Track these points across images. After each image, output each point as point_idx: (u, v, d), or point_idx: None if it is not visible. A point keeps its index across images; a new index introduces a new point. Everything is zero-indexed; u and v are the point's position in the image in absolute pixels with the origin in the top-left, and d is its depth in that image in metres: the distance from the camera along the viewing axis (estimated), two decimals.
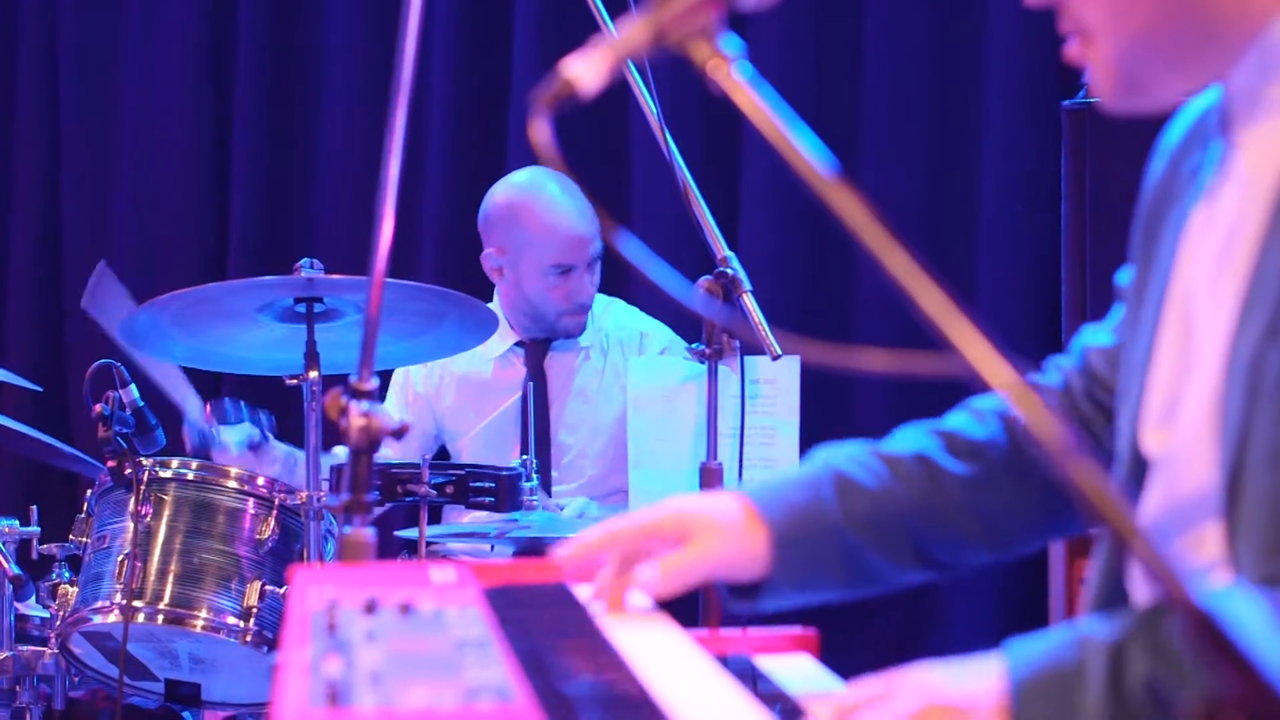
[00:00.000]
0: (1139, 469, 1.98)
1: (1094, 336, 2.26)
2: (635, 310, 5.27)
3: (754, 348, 3.84)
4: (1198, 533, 1.86)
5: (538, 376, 5.13)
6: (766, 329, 3.62)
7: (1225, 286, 1.86)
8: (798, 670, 2.29)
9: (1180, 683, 1.62)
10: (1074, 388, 2.26)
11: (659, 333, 5.20)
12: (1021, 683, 1.69)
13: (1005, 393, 1.35)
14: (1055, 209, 4.51)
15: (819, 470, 2.23)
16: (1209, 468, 1.83)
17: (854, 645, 5.07)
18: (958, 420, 2.28)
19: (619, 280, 5.30)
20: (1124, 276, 2.16)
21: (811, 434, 4.37)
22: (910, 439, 2.26)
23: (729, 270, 3.71)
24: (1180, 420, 1.91)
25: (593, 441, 5.14)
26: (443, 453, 5.30)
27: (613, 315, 5.23)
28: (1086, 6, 1.89)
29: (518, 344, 5.18)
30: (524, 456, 4.29)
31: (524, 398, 4.84)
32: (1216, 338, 1.85)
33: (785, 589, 2.20)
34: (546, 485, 5.04)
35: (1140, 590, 1.92)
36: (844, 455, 2.25)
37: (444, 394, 5.23)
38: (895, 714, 1.70)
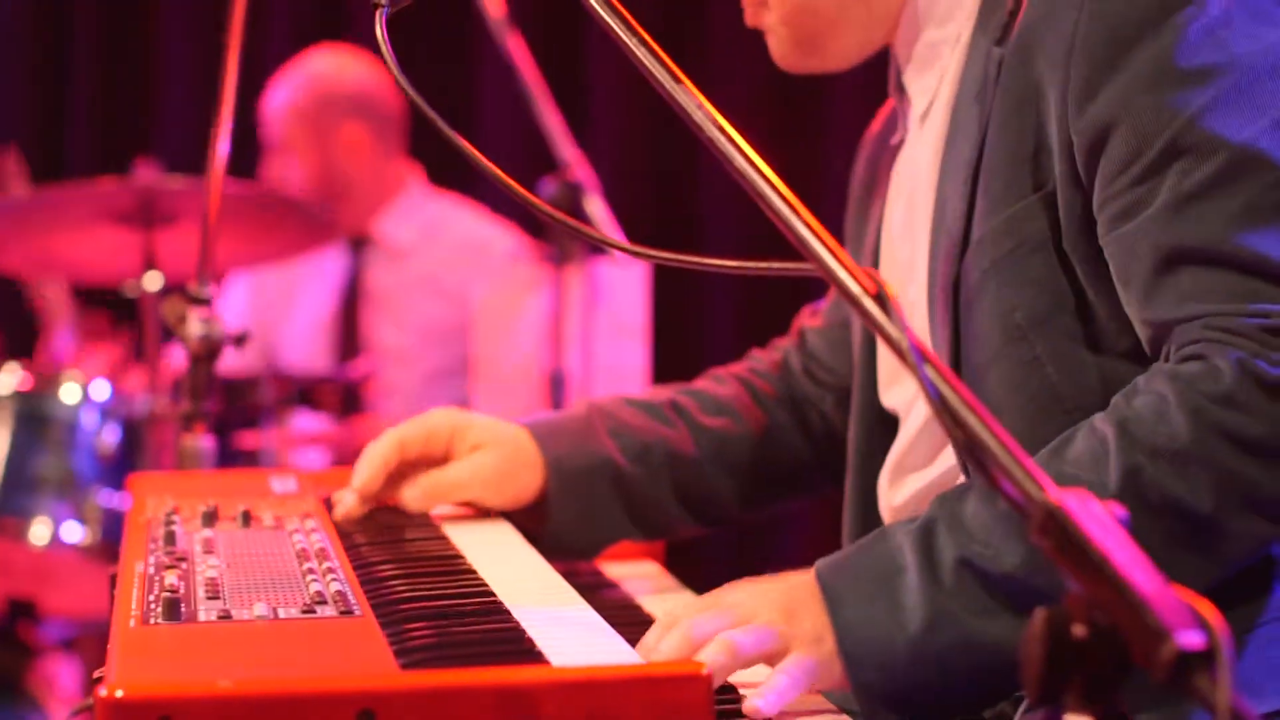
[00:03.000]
0: (882, 424, 2.12)
1: (812, 317, 2.40)
2: (479, 216, 5.22)
3: (601, 252, 3.83)
4: (946, 453, 1.99)
5: (359, 276, 5.04)
6: (614, 233, 3.60)
7: (918, 229, 1.99)
8: (645, 576, 2.28)
9: (992, 557, 1.67)
10: (793, 365, 2.37)
11: (503, 239, 5.15)
12: (835, 584, 1.71)
13: (852, 296, 1.34)
14: None
15: (589, 410, 2.27)
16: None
17: (699, 552, 5.09)
18: (704, 383, 2.36)
19: (465, 184, 5.25)
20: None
21: (661, 339, 4.37)
22: (664, 394, 2.33)
23: (574, 173, 3.69)
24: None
25: (420, 347, 5.07)
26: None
27: (454, 219, 5.17)
28: None
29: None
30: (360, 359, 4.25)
31: (345, 297, 4.78)
32: (919, 281, 1.97)
33: (564, 521, 2.19)
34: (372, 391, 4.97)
35: None
36: (609, 400, 2.30)
37: (265, 288, 5.14)
38: (721, 616, 1.69)
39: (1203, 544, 1.68)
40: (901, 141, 2.09)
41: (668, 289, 4.52)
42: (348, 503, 2.14)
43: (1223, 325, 1.69)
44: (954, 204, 1.89)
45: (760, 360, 2.39)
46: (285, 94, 5.01)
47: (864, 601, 1.69)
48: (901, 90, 2.06)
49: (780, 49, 2.07)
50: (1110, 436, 1.68)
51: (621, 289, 4.11)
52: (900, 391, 2.08)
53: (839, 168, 5.02)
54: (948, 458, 1.99)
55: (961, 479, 1.93)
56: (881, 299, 1.33)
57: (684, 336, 5.04)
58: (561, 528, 2.19)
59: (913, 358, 1.28)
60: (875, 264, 2.10)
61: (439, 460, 2.18)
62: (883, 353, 2.10)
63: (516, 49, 3.71)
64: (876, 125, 2.25)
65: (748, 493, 2.30)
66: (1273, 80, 1.73)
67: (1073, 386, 1.81)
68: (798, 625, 1.68)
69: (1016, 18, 1.86)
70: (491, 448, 2.17)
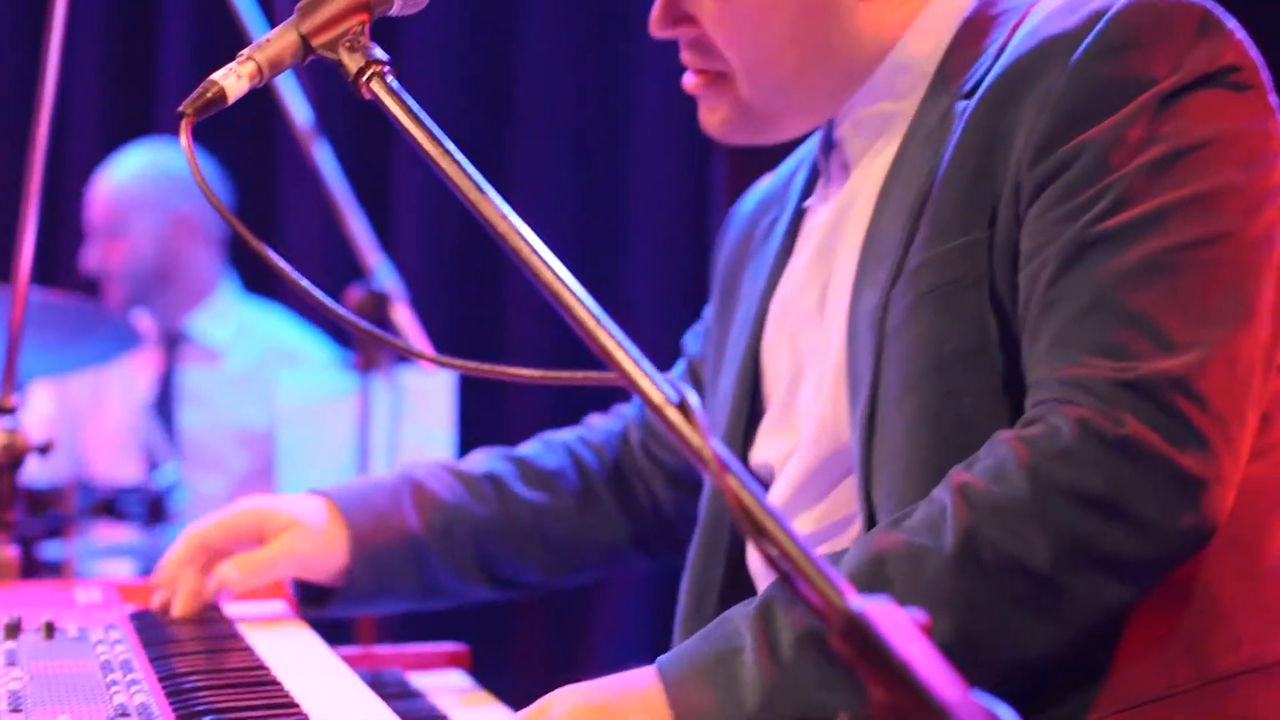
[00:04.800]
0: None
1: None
2: (291, 320, 5.20)
3: (406, 360, 3.82)
4: (835, 494, 1.98)
5: (171, 375, 5.01)
6: (419, 340, 3.60)
7: (835, 272, 2.00)
8: (450, 685, 2.28)
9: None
10: (630, 438, 2.39)
11: (311, 344, 5.13)
12: (674, 671, 1.71)
13: (655, 405, 1.36)
14: (702, 221, 4.56)
15: (400, 480, 2.29)
16: (842, 427, 1.95)
17: (507, 661, 5.08)
18: (532, 449, 2.38)
19: (271, 291, 5.23)
20: (691, 339, 2.36)
21: (468, 446, 4.36)
22: (485, 461, 2.33)
23: (380, 281, 3.69)
24: (799, 413, 2.03)
25: (230, 449, 5.03)
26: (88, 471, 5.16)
27: (266, 323, 5.15)
28: (731, 50, 1.98)
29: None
30: (168, 466, 4.21)
31: (157, 397, 4.74)
32: (826, 328, 1.99)
33: (359, 594, 2.22)
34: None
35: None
36: (423, 469, 2.31)
37: (71, 393, 5.09)
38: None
39: (1045, 605, 1.68)
40: (809, 206, 2.11)
41: (474, 397, 4.52)
42: (154, 603, 2.14)
43: (1073, 380, 1.71)
44: (891, 232, 1.90)
45: (595, 430, 2.39)
46: (118, 177, 4.99)
47: (702, 684, 1.70)
48: (832, 150, 2.08)
49: (729, 121, 2.06)
50: (948, 501, 1.70)
51: (427, 397, 4.11)
52: (774, 446, 2.08)
53: (637, 279, 5.04)
54: (831, 509, 2.00)
55: (854, 529, 1.94)
56: (684, 408, 1.35)
57: (490, 445, 5.05)
58: (357, 597, 2.22)
59: (716, 466, 1.30)
60: (760, 324, 2.11)
61: (252, 547, 2.20)
62: (770, 401, 2.10)
63: (322, 156, 3.71)
64: (749, 204, 2.28)
65: (556, 565, 2.32)
66: (1213, 158, 1.77)
67: (985, 423, 1.81)
68: None
69: (989, 73, 1.88)
70: (300, 526, 2.18)
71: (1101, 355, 1.72)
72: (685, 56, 2.04)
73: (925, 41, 2.00)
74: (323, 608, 2.25)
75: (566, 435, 2.38)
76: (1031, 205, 1.80)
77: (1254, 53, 1.85)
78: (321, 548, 2.20)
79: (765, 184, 2.28)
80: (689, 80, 2.06)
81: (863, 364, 1.90)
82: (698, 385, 2.29)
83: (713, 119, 2.06)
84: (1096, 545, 1.67)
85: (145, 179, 5.01)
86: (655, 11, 2.04)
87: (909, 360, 1.85)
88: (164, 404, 4.88)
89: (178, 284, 5.01)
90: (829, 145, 2.08)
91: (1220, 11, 1.84)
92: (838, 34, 1.99)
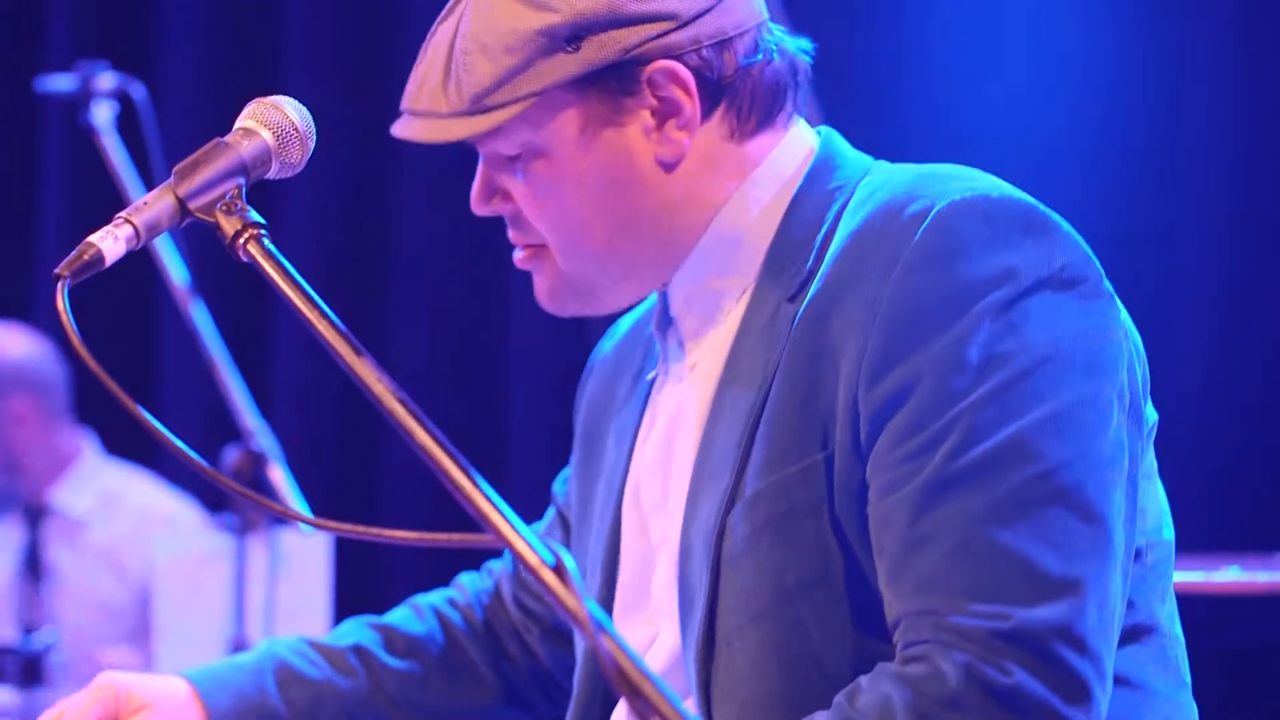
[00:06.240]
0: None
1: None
2: (158, 486, 5.14)
3: (283, 521, 3.80)
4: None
5: (36, 549, 4.94)
6: (295, 502, 3.59)
7: (676, 471, 1.97)
8: None
9: None
10: (504, 593, 2.34)
11: (183, 509, 5.08)
12: None
13: (531, 567, 1.36)
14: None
15: (262, 659, 2.24)
16: (675, 642, 1.93)
17: None
18: (399, 615, 2.34)
19: (145, 454, 5.19)
20: (560, 486, 2.31)
21: (345, 606, 4.33)
22: (351, 632, 2.30)
23: (257, 442, 3.67)
24: (655, 603, 2.00)
25: (101, 621, 4.97)
26: None
27: (132, 490, 5.09)
28: (540, 223, 1.97)
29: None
30: (45, 628, 4.15)
31: (22, 572, 4.68)
32: (671, 522, 1.95)
33: None
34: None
35: None
36: (286, 646, 2.27)
37: None
38: None
39: None
40: (655, 377, 2.07)
41: (350, 559, 4.50)
42: None
43: (952, 626, 1.70)
44: (724, 452, 1.87)
45: (465, 589, 2.35)
46: None
47: None
48: (668, 325, 2.03)
49: (553, 293, 2.02)
50: None
51: (304, 559, 4.08)
52: (635, 631, 2.04)
53: (520, 454, 5.04)
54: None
55: None
56: (560, 570, 1.35)
57: (366, 607, 5.01)
58: None
59: (591, 628, 1.30)
60: (618, 499, 2.07)
61: None
62: (620, 583, 2.06)
63: (199, 317, 3.70)
64: (610, 348, 2.23)
65: None
66: (1058, 372, 1.76)
67: (836, 653, 1.80)
68: None
69: (814, 275, 1.87)
70: (156, 708, 2.14)
71: (977, 600, 1.70)
72: (510, 232, 2.02)
73: (748, 214, 1.96)
74: None
75: (434, 597, 2.36)
76: (876, 435, 1.78)
77: (1083, 246, 1.84)
78: None
79: (623, 327, 2.23)
80: (516, 256, 2.04)
81: (697, 586, 1.88)
82: (567, 530, 2.27)
83: (541, 291, 2.03)
84: None
85: None
86: (474, 188, 2.00)
87: (750, 592, 1.83)
88: (31, 574, 4.82)
89: (28, 465, 4.95)
90: (665, 319, 2.04)
91: (1044, 208, 1.83)
92: (649, 203, 1.95)
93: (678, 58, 1.90)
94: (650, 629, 2.01)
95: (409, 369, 5.08)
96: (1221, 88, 4.17)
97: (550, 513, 2.33)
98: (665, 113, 1.92)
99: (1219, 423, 4.11)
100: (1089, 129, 4.31)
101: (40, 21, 5.62)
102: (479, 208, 2.01)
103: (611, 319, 2.20)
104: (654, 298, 2.07)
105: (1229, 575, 3.03)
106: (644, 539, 2.02)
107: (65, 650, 4.72)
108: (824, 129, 2.02)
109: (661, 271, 1.99)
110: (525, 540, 1.37)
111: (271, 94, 1.78)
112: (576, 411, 2.26)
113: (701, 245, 1.96)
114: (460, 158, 2.01)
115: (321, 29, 5.32)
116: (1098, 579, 1.73)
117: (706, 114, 1.94)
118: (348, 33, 5.33)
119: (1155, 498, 1.92)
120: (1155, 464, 1.93)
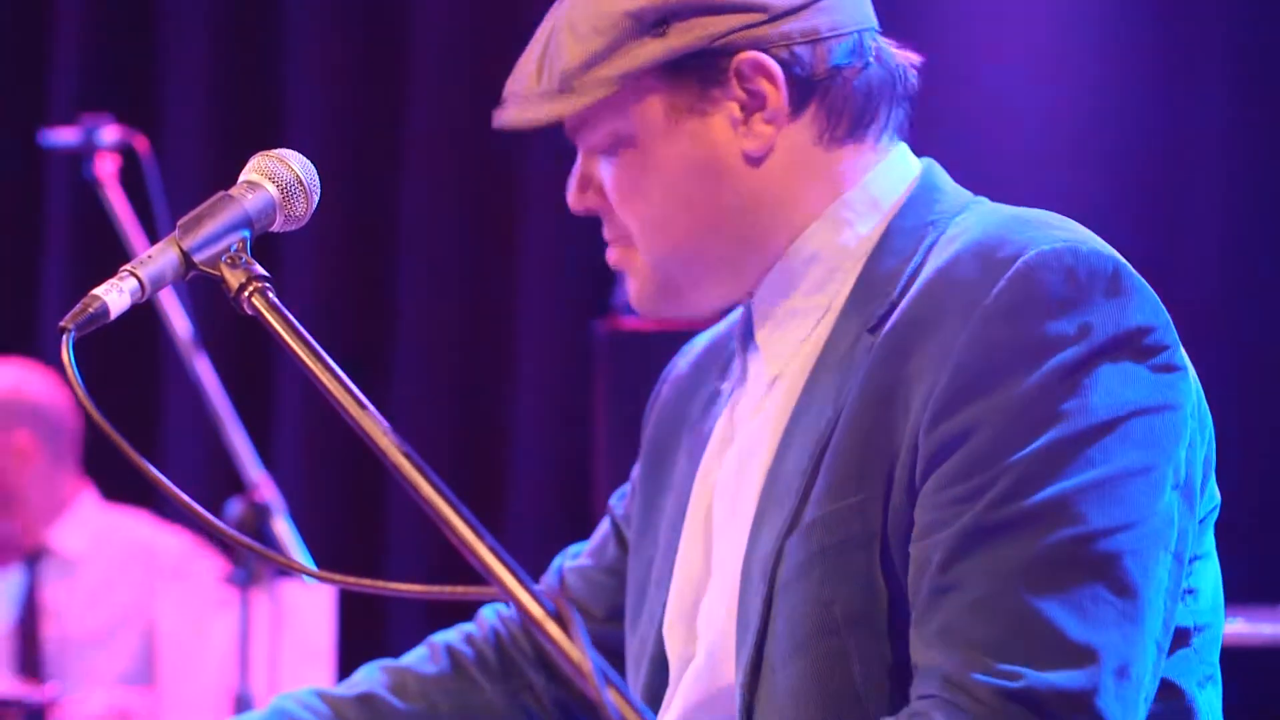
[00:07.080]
0: (661, 667, 2.03)
1: (572, 560, 2.29)
2: (154, 523, 5.13)
3: (287, 574, 3.80)
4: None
5: (34, 593, 4.93)
6: (299, 555, 3.59)
7: (745, 492, 1.94)
8: None
9: None
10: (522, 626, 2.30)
11: (177, 544, 5.06)
12: None
13: (535, 619, 1.36)
14: (587, 422, 4.56)
15: (269, 715, 2.21)
16: (729, 667, 1.90)
17: None
18: (414, 656, 2.31)
19: (150, 508, 5.18)
20: (618, 500, 2.26)
21: (349, 659, 4.33)
22: (364, 679, 2.27)
23: (261, 494, 3.68)
24: (701, 625, 1.97)
25: (102, 664, 4.95)
26: None
27: (129, 527, 5.08)
28: (627, 217, 1.95)
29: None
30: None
31: (21, 617, 4.68)
32: (736, 543, 1.92)
33: None
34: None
35: None
36: (295, 700, 2.24)
37: None
38: None
39: None
40: (733, 391, 2.04)
41: (354, 612, 4.50)
42: None
43: (960, 682, 1.68)
44: (790, 479, 1.85)
45: (484, 622, 2.30)
46: None
47: None
48: (750, 343, 2.00)
49: (642, 291, 2.00)
50: None
51: (308, 612, 4.08)
52: (676, 646, 2.02)
53: (520, 499, 5.05)
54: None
55: None
56: (562, 619, 1.35)
57: (370, 659, 5.01)
58: None
59: (596, 679, 1.30)
60: (685, 512, 2.04)
61: None
62: (674, 596, 2.03)
63: (204, 369, 3.71)
64: (685, 365, 2.19)
65: None
66: (1114, 440, 1.73)
67: (874, 692, 1.78)
68: None
69: (896, 308, 1.84)
70: None
71: (991, 655, 1.69)
72: (604, 229, 2.01)
73: (839, 236, 1.94)
74: None
75: (451, 634, 2.31)
76: (928, 475, 1.76)
77: (1163, 312, 1.81)
78: None
79: (701, 343, 2.20)
80: (609, 254, 2.02)
81: (752, 610, 1.86)
82: (622, 545, 2.24)
83: (631, 291, 2.02)
84: None
85: None
86: (570, 181, 2.00)
87: (797, 620, 1.81)
88: (28, 625, 4.81)
89: (28, 503, 4.95)
90: (747, 334, 2.01)
91: (1129, 267, 1.81)
92: (732, 198, 1.93)
93: (766, 50, 1.89)
94: (691, 649, 1.98)
95: (409, 416, 5.08)
96: (1222, 87, 4.18)
97: (604, 525, 2.27)
98: (752, 106, 1.90)
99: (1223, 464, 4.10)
100: (1089, 129, 4.32)
101: (44, 74, 5.63)
102: (573, 200, 2.00)
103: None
104: (736, 313, 2.06)
105: (1233, 626, 3.02)
106: (702, 557, 2.00)
107: (66, 694, 4.73)
108: (927, 160, 1.99)
109: (743, 276, 1.97)
110: (529, 592, 1.37)
111: (275, 147, 1.78)
112: (644, 425, 2.21)
113: (788, 260, 1.94)
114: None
115: (325, 82, 5.34)
116: (1119, 650, 1.70)
117: (795, 111, 1.92)
118: (351, 85, 5.35)
119: (1210, 578, 1.89)
120: (1214, 544, 1.90)
